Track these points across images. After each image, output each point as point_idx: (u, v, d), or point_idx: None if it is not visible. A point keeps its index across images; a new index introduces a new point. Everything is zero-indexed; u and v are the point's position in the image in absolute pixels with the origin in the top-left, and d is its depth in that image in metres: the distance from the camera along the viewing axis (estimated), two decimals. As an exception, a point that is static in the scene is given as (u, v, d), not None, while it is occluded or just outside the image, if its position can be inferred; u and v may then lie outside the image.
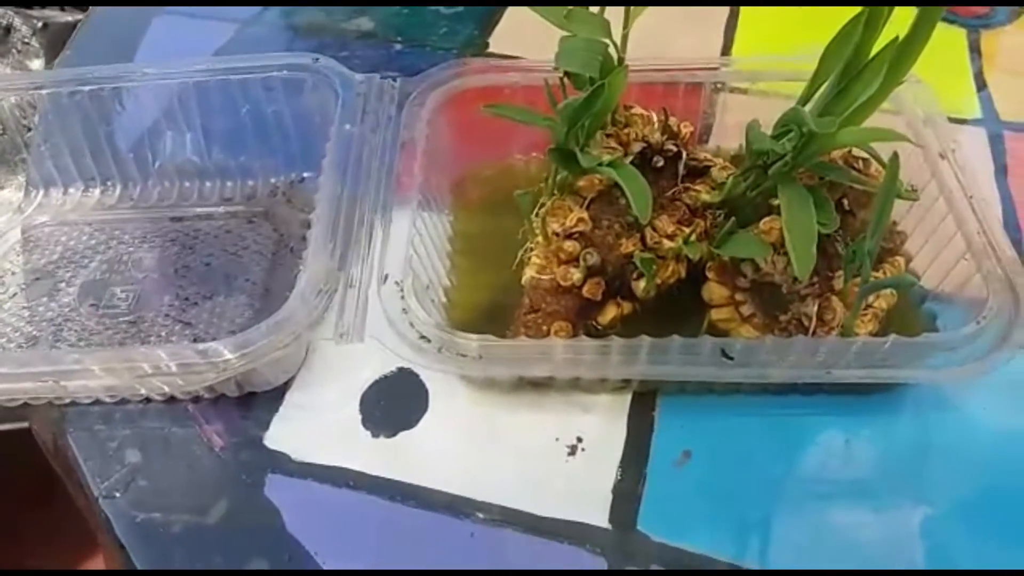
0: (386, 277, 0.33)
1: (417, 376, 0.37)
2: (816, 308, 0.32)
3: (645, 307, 0.36)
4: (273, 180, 0.45)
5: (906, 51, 0.25)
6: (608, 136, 0.37)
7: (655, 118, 0.37)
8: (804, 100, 0.31)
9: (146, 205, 0.45)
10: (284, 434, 0.35)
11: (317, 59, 0.42)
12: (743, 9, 0.59)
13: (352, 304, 0.33)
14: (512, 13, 0.58)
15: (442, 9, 0.60)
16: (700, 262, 0.36)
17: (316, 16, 0.59)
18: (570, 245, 0.34)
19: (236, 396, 0.36)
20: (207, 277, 0.40)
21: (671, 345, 0.31)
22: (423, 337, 0.32)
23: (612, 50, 0.34)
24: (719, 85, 0.43)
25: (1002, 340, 0.31)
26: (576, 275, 0.34)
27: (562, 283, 0.34)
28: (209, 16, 0.59)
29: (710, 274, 0.35)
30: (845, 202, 0.35)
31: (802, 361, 0.31)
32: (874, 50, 0.29)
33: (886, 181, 0.24)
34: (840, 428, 0.35)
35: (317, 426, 0.35)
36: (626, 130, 0.37)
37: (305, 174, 0.44)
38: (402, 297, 0.33)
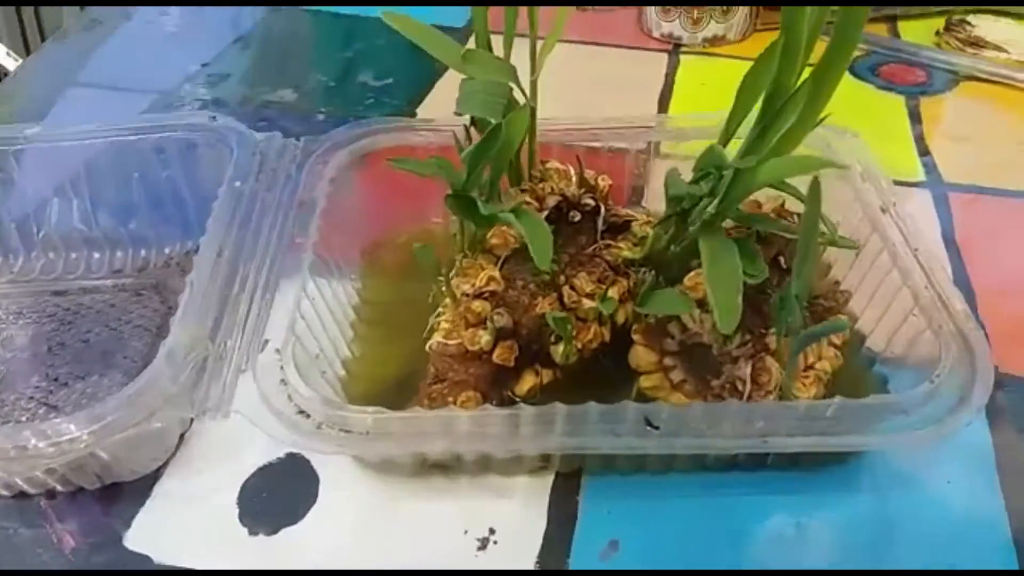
0: (265, 344, 0.29)
1: (308, 462, 0.32)
2: (750, 370, 0.29)
3: (566, 376, 0.32)
4: (168, 250, 0.41)
5: (827, 70, 0.23)
6: (523, 191, 0.34)
7: (572, 172, 0.34)
8: (724, 141, 0.28)
9: (26, 279, 0.40)
10: (148, 532, 0.30)
11: (214, 118, 0.39)
12: (678, 78, 0.58)
13: (223, 375, 0.28)
14: (442, 85, 0.56)
15: (371, 81, 0.58)
16: (625, 325, 0.33)
17: (239, 88, 0.57)
18: (479, 305, 0.30)
19: (98, 489, 0.31)
20: (82, 355, 0.36)
21: (589, 413, 0.27)
22: (301, 412, 0.27)
23: (519, 95, 0.31)
24: (648, 145, 0.41)
25: (960, 401, 0.27)
26: (484, 338, 0.30)
27: (469, 348, 0.30)
28: (128, 88, 0.56)
29: (636, 337, 0.32)
30: (782, 260, 0.32)
31: (737, 429, 0.27)
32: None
33: (807, 209, 0.21)
34: (789, 510, 0.30)
35: (187, 522, 0.30)
36: (541, 184, 0.34)
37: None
38: (281, 367, 0.28)
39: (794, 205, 0.32)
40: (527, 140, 0.33)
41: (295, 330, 0.30)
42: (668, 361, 0.31)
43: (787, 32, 0.24)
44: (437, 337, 0.31)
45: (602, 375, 0.32)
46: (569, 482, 0.31)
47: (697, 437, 0.27)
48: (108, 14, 0.67)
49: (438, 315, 0.33)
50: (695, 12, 0.60)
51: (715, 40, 0.61)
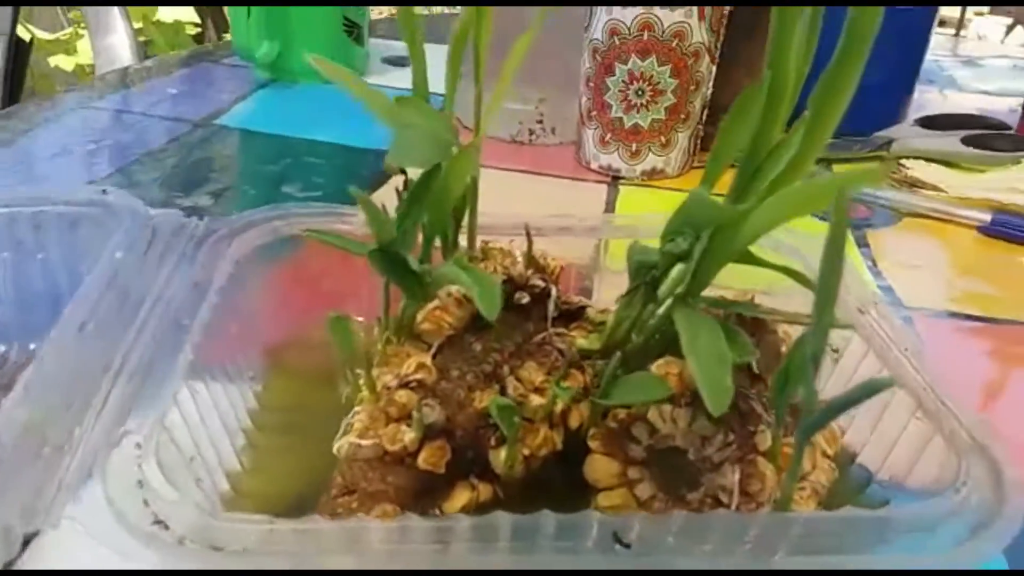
0: (123, 436, 0.23)
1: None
2: (738, 476, 0.23)
3: (509, 491, 0.26)
4: (33, 345, 0.34)
5: (834, 88, 0.19)
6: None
7: (518, 252, 0.30)
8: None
9: None
10: None
11: (105, 191, 0.33)
12: (618, 206, 0.55)
13: (61, 470, 0.21)
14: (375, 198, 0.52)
15: (296, 192, 0.54)
16: (580, 431, 0.27)
17: (147, 192, 0.52)
18: (404, 395, 0.25)
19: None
20: None
21: (542, 525, 0.21)
22: (159, 522, 0.20)
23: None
24: (598, 244, 0.37)
25: (991, 517, 0.22)
26: (409, 435, 0.24)
27: (389, 448, 0.24)
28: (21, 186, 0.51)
29: (593, 444, 0.26)
30: (753, 365, 0.27)
31: (726, 547, 0.21)
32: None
33: (832, 231, 0.17)
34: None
35: None
36: (484, 263, 0.29)
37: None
38: (139, 465, 0.22)
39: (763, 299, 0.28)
40: (467, 215, 0.29)
41: (165, 422, 0.24)
42: (633, 473, 0.26)
43: (774, 63, 0.21)
44: (349, 438, 0.25)
45: (552, 492, 0.26)
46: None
47: (675, 555, 0.21)
48: (15, 122, 0.62)
49: (353, 415, 0.27)
50: (633, 145, 0.58)
51: (653, 173, 0.59)
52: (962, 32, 1.98)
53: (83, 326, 0.25)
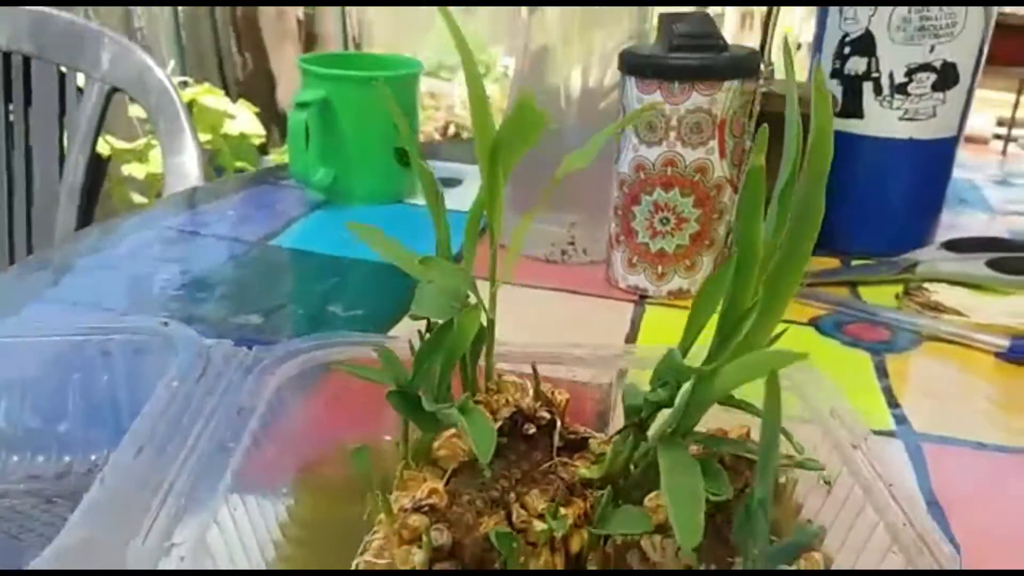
0: (170, 549, 0.26)
1: None
2: (717, 605, 0.25)
3: (512, 613, 0.28)
4: (94, 457, 0.38)
5: (782, 273, 0.22)
6: (476, 402, 0.32)
7: (528, 385, 0.33)
8: (682, 351, 0.27)
9: (-67, 482, 0.37)
10: None
11: (166, 323, 0.38)
12: (643, 324, 0.58)
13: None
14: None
15: (340, 312, 0.58)
16: (580, 555, 0.30)
17: (203, 309, 0.56)
18: (416, 520, 0.27)
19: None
20: (-29, 565, 0.32)
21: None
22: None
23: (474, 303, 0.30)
24: (615, 375, 0.40)
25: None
26: (418, 556, 0.27)
27: (400, 567, 0.27)
28: (89, 305, 0.56)
29: (592, 567, 0.29)
30: (748, 491, 0.30)
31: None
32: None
33: (767, 401, 0.19)
34: None
35: None
36: (496, 396, 0.32)
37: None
38: (184, 580, 0.25)
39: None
40: (484, 354, 0.32)
41: (207, 539, 0.27)
42: (629, 607, 0.28)
43: (741, 243, 0.24)
44: (366, 556, 0.28)
45: (553, 614, 0.29)
46: None
47: None
48: (86, 241, 0.68)
49: (372, 534, 0.29)
50: (659, 268, 0.61)
51: (679, 293, 0.62)
52: (1009, 149, 2.00)
53: (140, 451, 0.29)
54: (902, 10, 0.62)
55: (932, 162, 0.69)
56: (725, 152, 0.57)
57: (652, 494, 0.28)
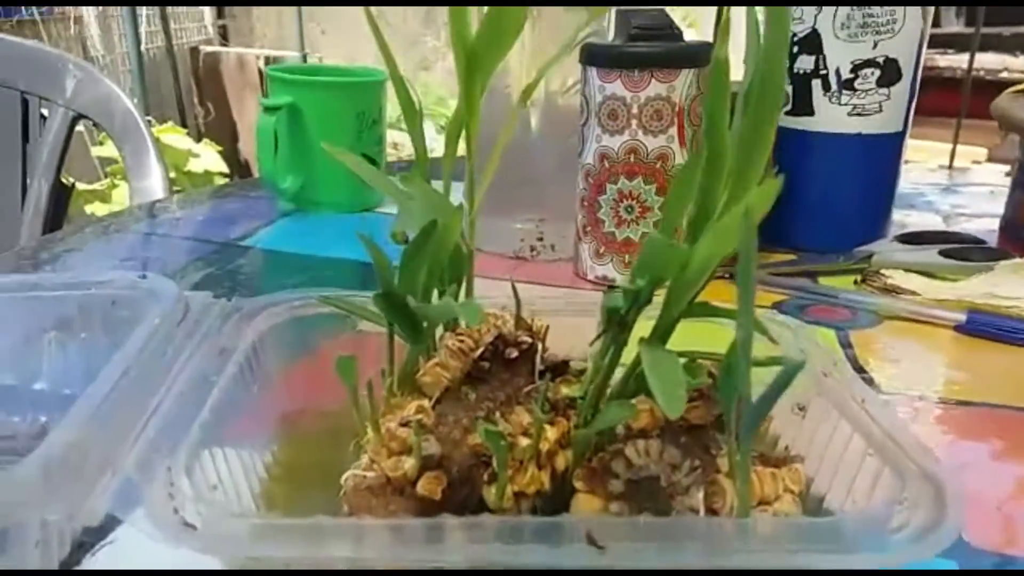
0: (156, 460, 0.26)
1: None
2: (702, 495, 0.26)
3: (499, 526, 0.28)
4: (69, 417, 0.37)
5: (753, 142, 0.23)
6: (457, 335, 0.33)
7: (508, 316, 0.33)
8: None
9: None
10: None
11: (144, 276, 0.38)
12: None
13: (101, 482, 0.24)
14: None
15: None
16: (566, 474, 0.30)
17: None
18: (404, 432, 0.28)
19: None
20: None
21: (524, 526, 0.23)
22: (188, 525, 0.23)
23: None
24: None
25: (932, 526, 0.25)
26: (409, 463, 0.27)
27: (391, 475, 0.27)
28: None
29: (578, 484, 0.29)
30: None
31: (688, 545, 0.23)
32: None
33: (743, 240, 0.20)
34: None
35: None
36: (477, 327, 0.33)
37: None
38: (171, 483, 0.25)
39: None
40: (464, 285, 0.33)
41: (196, 451, 0.27)
42: (614, 507, 0.28)
43: (709, 138, 0.25)
44: (354, 470, 0.28)
45: (539, 528, 0.29)
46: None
47: (644, 554, 0.23)
48: (51, 246, 0.67)
49: (359, 454, 0.30)
50: (626, 256, 0.63)
51: (649, 284, 0.63)
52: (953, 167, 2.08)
53: (125, 373, 0.29)
54: (846, 8, 0.65)
55: (882, 156, 0.72)
56: (684, 139, 0.59)
57: (633, 400, 0.28)
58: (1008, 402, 0.47)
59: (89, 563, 0.29)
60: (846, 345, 0.55)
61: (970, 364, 0.53)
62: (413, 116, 0.29)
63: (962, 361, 0.53)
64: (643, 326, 0.28)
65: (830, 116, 0.69)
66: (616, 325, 0.27)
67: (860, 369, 0.51)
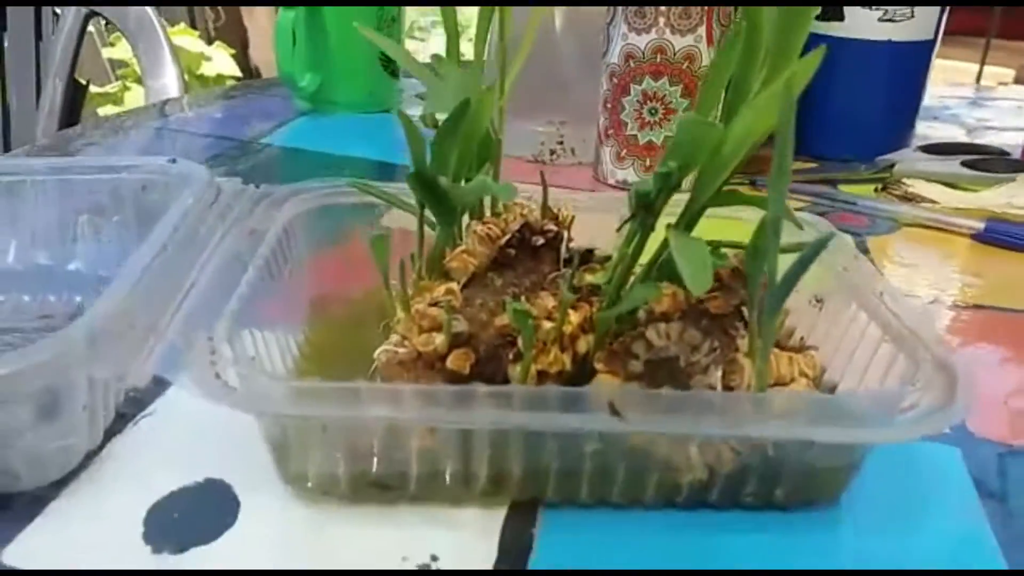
0: (197, 329, 0.27)
1: (228, 487, 0.28)
2: (720, 374, 0.27)
3: (523, 403, 0.30)
4: (104, 297, 0.38)
5: (791, 22, 0.23)
6: (484, 223, 0.33)
7: (534, 205, 0.34)
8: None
9: (-56, 319, 0.37)
10: (31, 549, 0.26)
11: (174, 160, 0.38)
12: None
13: (146, 348, 0.26)
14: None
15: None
16: (588, 358, 0.31)
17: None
18: (435, 311, 0.29)
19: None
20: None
21: (549, 395, 0.24)
22: (230, 387, 0.24)
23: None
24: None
25: (942, 405, 0.25)
26: (439, 339, 0.28)
27: (422, 350, 0.28)
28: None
29: (598, 365, 0.30)
30: (744, 311, 0.31)
31: (707, 419, 0.24)
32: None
33: (781, 112, 0.20)
34: (764, 553, 0.27)
35: (80, 541, 0.26)
36: (504, 214, 0.33)
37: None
38: (212, 351, 0.26)
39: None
40: (490, 174, 0.33)
41: (235, 326, 0.28)
42: (633, 386, 0.29)
43: (748, 17, 0.25)
44: (387, 346, 0.29)
45: (561, 406, 0.30)
46: (524, 513, 0.28)
47: (664, 423, 0.24)
48: (68, 141, 0.68)
49: (388, 334, 0.31)
50: (647, 160, 0.63)
51: (669, 188, 0.63)
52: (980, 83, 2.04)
53: (162, 249, 0.30)
54: (883, -92, 0.63)
55: (910, 64, 0.71)
56: (713, 40, 0.58)
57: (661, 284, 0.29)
58: (1022, 306, 0.47)
59: (132, 431, 0.31)
60: (863, 251, 0.55)
61: (985, 270, 0.53)
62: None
63: (978, 268, 0.53)
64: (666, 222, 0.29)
65: (860, 22, 0.68)
66: (644, 210, 0.27)
67: (879, 271, 0.51)
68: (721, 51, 0.26)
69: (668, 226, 0.28)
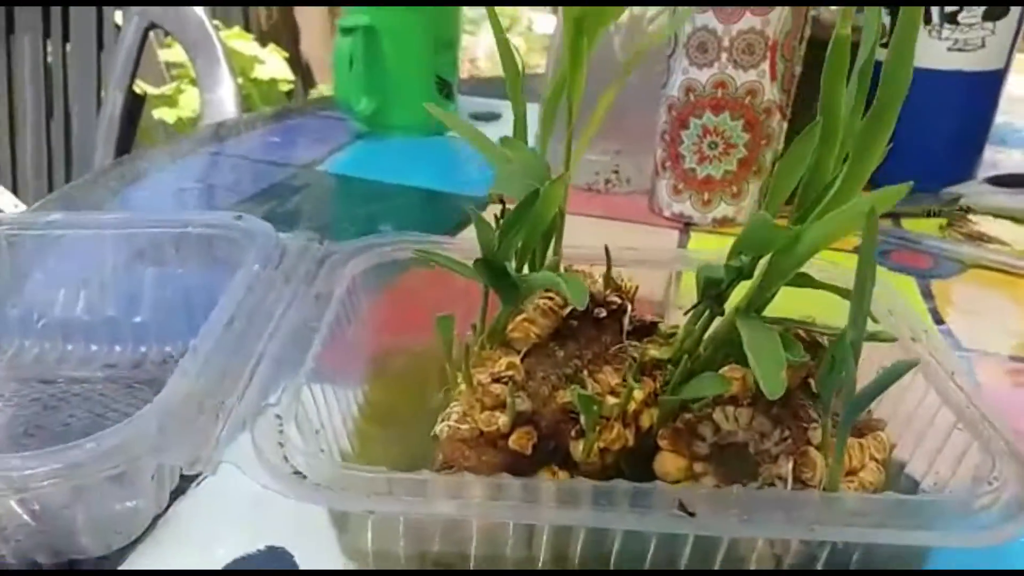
0: (266, 407, 0.27)
1: (290, 556, 0.29)
2: (791, 466, 0.26)
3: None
4: (168, 348, 0.39)
5: (870, 136, 0.23)
6: (546, 295, 0.33)
7: (597, 274, 0.33)
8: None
9: (17, 367, 0.38)
10: (102, 619, 0.26)
11: (239, 217, 0.39)
12: (690, 247, 0.59)
13: (216, 430, 0.26)
14: (462, 236, 0.57)
15: (390, 231, 0.59)
16: (650, 432, 0.31)
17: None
18: (498, 388, 0.29)
19: (51, 567, 0.27)
20: (60, 438, 0.33)
21: (616, 490, 0.24)
22: (297, 472, 0.25)
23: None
24: (670, 276, 0.41)
25: (1020, 508, 0.25)
26: (502, 419, 0.28)
27: (485, 429, 0.28)
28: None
29: (663, 443, 0.30)
30: (811, 383, 0.31)
31: (777, 519, 0.24)
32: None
33: (864, 241, 0.20)
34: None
35: (149, 608, 0.27)
36: (567, 284, 0.33)
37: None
38: (280, 430, 0.26)
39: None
40: (553, 245, 0.33)
41: (300, 398, 0.28)
42: (698, 468, 0.29)
43: (826, 111, 0.25)
44: (449, 422, 0.29)
45: (623, 484, 0.30)
46: (585, 596, 0.28)
47: (735, 524, 0.24)
48: (129, 167, 0.69)
49: (450, 407, 0.31)
50: (705, 194, 0.62)
51: (724, 221, 0.62)
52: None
53: (231, 321, 0.30)
54: (954, -62, 0.62)
55: (979, 94, 0.69)
56: (776, 75, 0.57)
57: (724, 368, 0.29)
58: (1097, 362, 0.46)
59: (193, 493, 0.31)
60: (927, 294, 0.54)
61: (1058, 321, 0.51)
62: (515, 79, 0.29)
63: (1048, 317, 0.52)
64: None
65: (929, 51, 0.66)
66: (713, 298, 0.27)
67: (939, 321, 0.50)
68: (796, 143, 0.26)
69: (736, 310, 0.28)
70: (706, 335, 0.30)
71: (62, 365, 0.38)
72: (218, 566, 0.28)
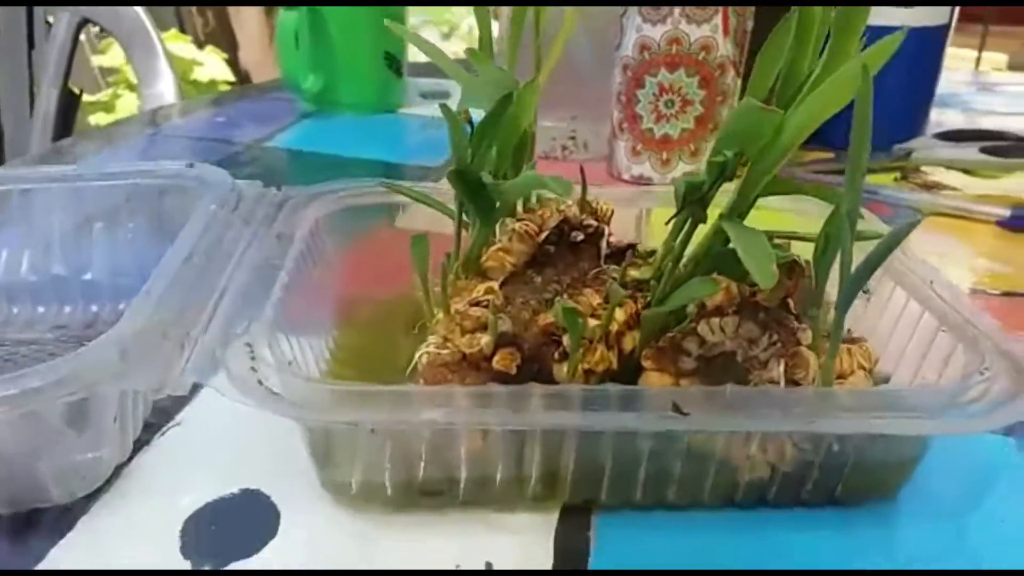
0: (234, 337, 0.25)
1: (267, 497, 0.27)
2: (783, 368, 0.26)
3: (569, 403, 0.29)
4: (122, 305, 0.37)
5: (852, 14, 0.22)
6: (521, 220, 0.32)
7: (572, 201, 0.33)
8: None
9: (-44, 333, 0.36)
10: (64, 566, 0.24)
11: (191, 165, 0.37)
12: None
13: (183, 357, 0.24)
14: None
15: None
16: (633, 355, 0.30)
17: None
18: (478, 311, 0.28)
19: (9, 515, 0.25)
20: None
21: (608, 394, 0.23)
22: (274, 393, 0.23)
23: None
24: (641, 212, 0.40)
25: (1011, 396, 0.24)
26: (485, 340, 0.27)
27: (467, 351, 0.27)
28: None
29: (646, 363, 0.29)
30: (790, 303, 0.30)
31: (774, 416, 0.23)
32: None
33: (859, 105, 0.19)
34: (825, 552, 0.26)
35: (114, 556, 0.25)
36: (540, 210, 0.32)
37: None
38: (252, 358, 0.25)
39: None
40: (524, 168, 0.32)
41: (272, 331, 0.26)
42: (685, 383, 0.28)
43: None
44: (429, 347, 0.28)
45: (609, 405, 0.29)
46: (578, 516, 0.27)
47: (728, 421, 0.23)
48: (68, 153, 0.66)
49: (428, 334, 0.29)
50: (664, 154, 0.62)
51: (684, 182, 0.62)
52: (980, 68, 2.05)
53: (190, 256, 0.29)
54: None
55: (925, 50, 0.70)
56: (728, 29, 0.57)
57: (707, 278, 0.28)
58: (1055, 292, 0.47)
59: (160, 442, 0.30)
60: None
61: (1014, 257, 0.52)
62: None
63: (1006, 254, 0.53)
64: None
65: (875, 7, 0.67)
66: (695, 203, 0.26)
67: (904, 263, 0.50)
68: (772, 37, 0.25)
69: (721, 217, 0.27)
70: (687, 251, 0.29)
71: (7, 328, 0.36)
72: (190, 511, 0.26)
